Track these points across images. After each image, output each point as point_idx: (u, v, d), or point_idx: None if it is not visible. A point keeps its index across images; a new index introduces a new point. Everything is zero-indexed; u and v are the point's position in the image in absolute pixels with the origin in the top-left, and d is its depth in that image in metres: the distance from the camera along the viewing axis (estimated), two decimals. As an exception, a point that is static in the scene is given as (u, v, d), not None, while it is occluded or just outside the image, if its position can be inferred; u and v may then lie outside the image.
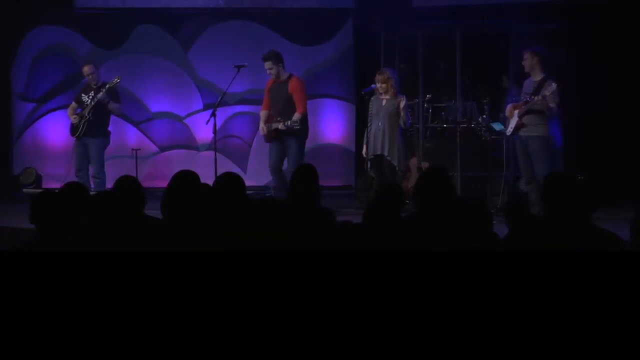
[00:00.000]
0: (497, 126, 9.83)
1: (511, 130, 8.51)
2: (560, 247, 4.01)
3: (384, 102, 8.79)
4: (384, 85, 8.75)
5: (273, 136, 8.99)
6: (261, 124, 9.11)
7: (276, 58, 8.99)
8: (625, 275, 3.51)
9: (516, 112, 8.43)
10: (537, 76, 8.43)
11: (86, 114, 9.53)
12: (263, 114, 9.16)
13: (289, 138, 8.90)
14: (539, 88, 8.32)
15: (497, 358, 3.46)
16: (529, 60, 8.45)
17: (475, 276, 3.54)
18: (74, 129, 9.64)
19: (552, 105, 8.26)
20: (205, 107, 11.68)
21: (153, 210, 5.02)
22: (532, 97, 8.30)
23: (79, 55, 11.49)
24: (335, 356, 3.50)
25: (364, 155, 9.00)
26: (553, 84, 8.25)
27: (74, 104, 9.80)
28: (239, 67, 9.41)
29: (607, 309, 3.46)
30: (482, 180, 9.63)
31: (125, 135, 11.77)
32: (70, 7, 11.68)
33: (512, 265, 3.59)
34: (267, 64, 8.99)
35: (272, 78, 9.05)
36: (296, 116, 8.81)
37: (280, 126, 8.85)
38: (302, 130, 8.91)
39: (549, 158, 8.31)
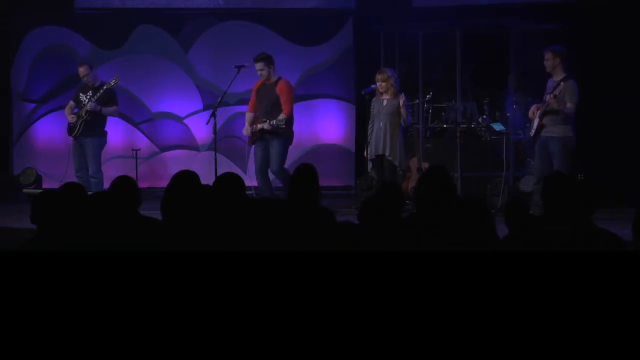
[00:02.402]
0: (497, 126, 9.81)
1: (534, 131, 8.49)
2: (560, 247, 4.01)
3: (384, 103, 8.79)
4: (383, 84, 8.75)
5: (257, 137, 9.03)
6: (246, 125, 9.17)
7: (268, 60, 9.06)
8: (625, 275, 3.51)
9: (538, 112, 8.41)
10: (559, 76, 8.39)
11: (83, 114, 9.51)
12: (249, 115, 9.22)
13: (272, 138, 8.93)
14: (557, 88, 8.30)
15: (497, 358, 3.46)
16: (550, 61, 8.39)
17: (475, 276, 3.54)
18: (71, 128, 9.63)
19: (569, 105, 8.24)
20: (205, 107, 11.68)
21: (153, 211, 5.02)
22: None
23: (79, 56, 11.48)
24: (335, 356, 3.50)
25: (366, 156, 8.99)
26: (562, 83, 8.22)
27: (71, 103, 9.78)
28: (239, 67, 9.41)
29: (607, 309, 3.46)
30: (482, 180, 9.63)
31: (125, 135, 11.76)
32: (70, 7, 11.67)
33: (512, 265, 3.58)
34: (259, 65, 9.05)
35: (262, 79, 9.10)
36: (281, 116, 8.84)
37: (266, 126, 8.89)
38: (286, 132, 8.94)
39: (569, 158, 8.30)
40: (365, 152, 9.08)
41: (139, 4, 11.81)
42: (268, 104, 9.02)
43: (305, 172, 5.29)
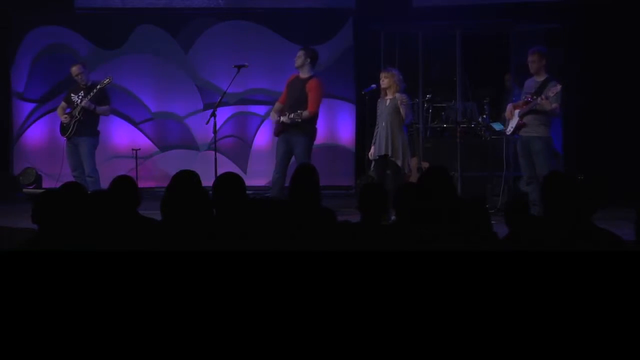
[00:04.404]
0: (497, 126, 9.81)
1: (511, 130, 8.44)
2: (560, 247, 4.01)
3: (387, 102, 8.77)
4: (385, 80, 8.72)
5: (281, 129, 8.94)
6: (272, 113, 9.06)
7: (310, 53, 8.99)
8: (625, 275, 3.51)
9: (517, 111, 8.37)
10: (541, 76, 8.36)
11: (76, 114, 9.46)
12: (277, 105, 9.11)
13: (296, 136, 8.84)
14: (541, 88, 8.26)
15: (497, 358, 3.46)
16: (537, 63, 8.32)
17: (475, 276, 3.54)
18: (64, 129, 9.58)
19: (554, 105, 8.22)
20: (205, 107, 11.69)
21: (153, 210, 5.02)
22: (534, 97, 8.24)
23: (79, 55, 11.49)
24: (335, 356, 3.50)
25: (370, 156, 8.96)
26: (558, 85, 8.19)
27: (63, 104, 9.71)
28: (239, 67, 9.40)
29: (607, 309, 3.46)
30: (482, 180, 9.63)
31: (125, 135, 11.77)
32: (70, 7, 11.68)
33: (512, 265, 3.59)
34: (299, 53, 9.00)
35: (295, 74, 9.02)
36: (304, 113, 8.78)
37: (285, 119, 8.80)
38: (309, 130, 8.88)
39: (551, 158, 8.29)
40: (369, 153, 9.03)
41: (139, 4, 11.82)
42: (294, 98, 8.90)
43: (306, 172, 5.29)
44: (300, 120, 8.72)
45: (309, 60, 8.98)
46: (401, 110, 8.69)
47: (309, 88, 8.88)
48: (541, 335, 3.46)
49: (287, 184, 8.96)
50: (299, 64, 8.97)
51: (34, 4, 11.58)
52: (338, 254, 3.74)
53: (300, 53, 9.01)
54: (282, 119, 8.84)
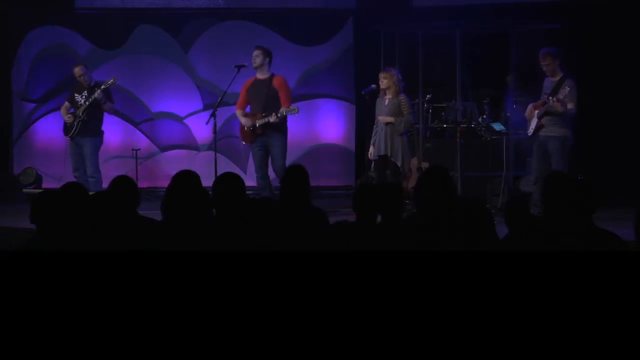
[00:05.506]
0: (497, 126, 9.82)
1: (532, 131, 8.48)
2: (560, 247, 4.01)
3: (386, 102, 8.78)
4: (385, 81, 8.72)
5: (257, 134, 8.91)
6: (244, 120, 9.00)
7: (267, 52, 9.02)
8: (625, 275, 3.51)
9: (536, 112, 8.41)
10: (557, 76, 8.40)
11: (80, 114, 9.48)
12: (240, 112, 9.10)
13: (273, 137, 8.84)
14: (557, 88, 8.29)
15: (497, 358, 3.46)
16: (550, 65, 8.37)
17: (475, 276, 3.54)
18: (67, 128, 9.60)
19: (569, 106, 8.25)
20: (205, 107, 11.68)
21: (153, 211, 5.02)
22: (549, 98, 8.27)
23: (79, 56, 11.49)
24: (331, 356, 3.50)
25: (369, 156, 8.96)
26: (567, 87, 8.21)
27: (66, 104, 9.75)
28: (239, 67, 9.40)
29: (607, 309, 3.46)
30: (482, 180, 9.63)
31: (125, 135, 11.77)
32: (70, 7, 11.68)
33: (512, 265, 3.58)
34: (256, 52, 8.99)
35: (253, 77, 9.02)
36: (290, 108, 8.78)
37: (272, 119, 8.77)
38: (284, 128, 8.91)
39: (565, 157, 8.31)
40: (368, 152, 9.02)
41: (139, 4, 11.82)
42: (264, 99, 8.89)
43: (296, 173, 5.29)
44: (297, 113, 8.74)
45: (267, 59, 8.99)
46: (404, 112, 8.68)
47: (279, 86, 8.90)
48: (541, 335, 3.46)
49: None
50: (259, 64, 8.96)
51: (34, 4, 11.58)
52: (333, 253, 3.74)
53: (258, 52, 8.99)
54: (264, 121, 8.81)
